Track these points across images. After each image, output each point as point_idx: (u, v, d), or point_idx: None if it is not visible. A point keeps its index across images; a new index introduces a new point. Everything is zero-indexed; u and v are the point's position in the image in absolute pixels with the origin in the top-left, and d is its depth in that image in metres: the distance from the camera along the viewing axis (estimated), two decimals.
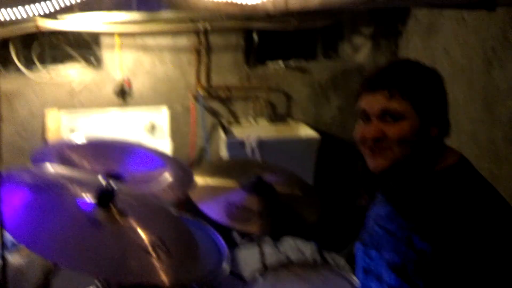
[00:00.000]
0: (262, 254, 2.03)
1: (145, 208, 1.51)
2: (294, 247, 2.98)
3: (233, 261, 2.89)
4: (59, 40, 3.76)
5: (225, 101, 3.92)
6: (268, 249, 2.99)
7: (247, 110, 3.94)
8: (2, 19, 2.85)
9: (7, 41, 3.60)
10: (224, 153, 3.55)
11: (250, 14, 3.61)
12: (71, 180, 1.45)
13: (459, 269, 1.20)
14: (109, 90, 3.75)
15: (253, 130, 3.73)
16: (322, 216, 1.89)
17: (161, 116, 3.73)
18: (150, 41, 3.76)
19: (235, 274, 2.16)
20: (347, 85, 3.98)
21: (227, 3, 2.83)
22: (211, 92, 3.88)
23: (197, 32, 3.77)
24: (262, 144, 3.39)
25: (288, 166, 2.13)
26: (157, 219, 1.48)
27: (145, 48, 3.77)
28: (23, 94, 3.67)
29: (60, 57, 3.83)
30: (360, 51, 4.06)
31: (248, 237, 3.18)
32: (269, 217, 1.80)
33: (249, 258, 2.79)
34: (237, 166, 2.11)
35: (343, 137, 4.00)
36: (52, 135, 3.56)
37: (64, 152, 1.86)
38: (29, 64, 3.72)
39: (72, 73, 3.73)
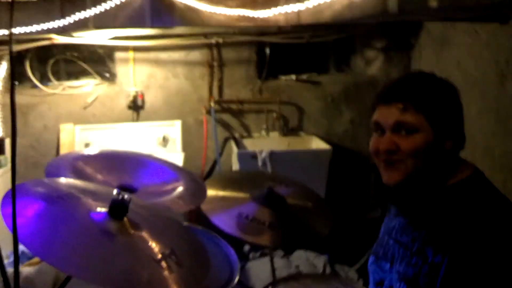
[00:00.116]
0: (273, 267, 2.02)
1: (157, 220, 1.51)
2: (306, 260, 2.96)
3: (244, 273, 2.89)
4: (73, 55, 3.82)
5: (237, 114, 3.93)
6: (280, 261, 2.98)
7: (259, 123, 3.95)
8: (19, 36, 2.90)
9: (23, 56, 3.66)
10: (236, 165, 3.56)
11: (262, 28, 3.64)
12: (84, 191, 1.46)
13: (473, 283, 1.18)
14: (122, 104, 3.78)
15: (265, 143, 3.73)
16: (334, 228, 1.88)
17: (174, 129, 3.75)
18: (163, 55, 3.80)
19: (246, 286, 2.15)
20: (359, 98, 3.98)
21: (239, 17, 2.85)
22: (223, 105, 3.90)
23: (209, 46, 3.81)
24: (274, 156, 3.39)
25: (300, 178, 2.12)
26: (169, 231, 1.48)
27: (158, 63, 3.81)
28: (38, 108, 3.72)
29: (75, 72, 3.89)
30: (372, 64, 4.06)
31: (259, 250, 3.18)
32: (281, 230, 1.79)
33: (260, 271, 2.79)
34: (248, 178, 2.11)
35: (355, 150, 3.99)
36: (66, 148, 3.60)
37: (78, 165, 1.87)
38: (44, 79, 3.78)
39: (86, 88, 3.77)
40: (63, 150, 3.59)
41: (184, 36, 3.75)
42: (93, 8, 2.81)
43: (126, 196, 1.35)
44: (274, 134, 3.93)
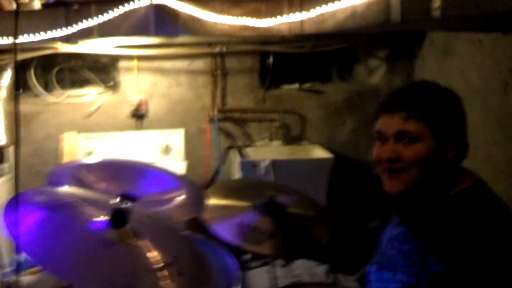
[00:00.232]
0: (274, 276, 2.01)
1: (158, 229, 1.51)
2: (307, 269, 2.95)
3: (245, 282, 2.88)
4: (77, 64, 3.84)
5: (240, 123, 3.94)
6: (281, 270, 2.97)
7: (261, 132, 3.95)
8: (24, 45, 2.91)
9: (27, 65, 3.68)
10: (238, 174, 3.56)
11: (265, 38, 3.65)
12: (86, 200, 1.47)
13: None
14: (126, 112, 3.79)
15: (268, 151, 3.73)
16: (335, 237, 1.88)
17: (177, 137, 3.76)
18: (167, 64, 3.81)
19: None
20: (362, 108, 3.98)
21: (243, 27, 2.86)
22: (226, 114, 3.90)
23: (213, 55, 3.82)
24: (276, 165, 3.38)
25: (302, 187, 2.12)
26: (170, 240, 1.48)
27: (162, 71, 3.82)
28: (41, 117, 3.73)
29: (79, 81, 3.90)
30: (375, 74, 4.06)
31: (260, 259, 3.16)
32: (282, 238, 1.79)
33: (261, 280, 2.77)
34: (250, 187, 2.11)
35: (357, 159, 3.98)
36: (69, 157, 3.61)
37: (80, 173, 1.88)
38: (48, 87, 3.80)
39: (89, 96, 3.79)
40: (66, 159, 3.59)
41: (188, 45, 3.77)
42: (98, 17, 2.83)
43: (127, 205, 1.35)
44: (277, 143, 3.93)
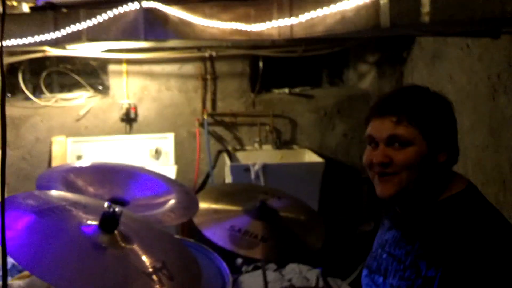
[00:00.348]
0: (265, 280, 2.01)
1: (148, 233, 1.50)
2: (298, 273, 2.95)
3: (237, 287, 2.87)
4: (66, 67, 3.82)
5: (230, 127, 3.93)
6: (272, 274, 2.96)
7: (252, 136, 3.95)
8: (12, 48, 2.89)
9: (16, 68, 3.65)
10: (228, 178, 3.55)
11: (255, 42, 3.66)
12: (75, 204, 1.45)
13: None
14: (115, 116, 3.78)
15: (258, 156, 3.73)
16: (327, 241, 1.87)
17: (167, 142, 3.74)
18: (157, 68, 3.81)
19: None
20: (352, 112, 3.99)
21: (233, 31, 2.86)
22: (216, 118, 3.90)
23: (203, 60, 3.82)
24: (267, 169, 3.39)
25: (293, 191, 2.12)
26: (160, 244, 1.47)
27: (151, 75, 3.81)
28: (30, 121, 3.71)
29: (68, 85, 3.88)
30: (365, 78, 4.08)
31: (252, 263, 3.16)
32: (273, 243, 1.79)
33: (252, 284, 2.77)
34: (241, 191, 2.11)
35: (348, 163, 3.99)
36: (58, 161, 3.58)
37: (69, 177, 1.86)
38: (37, 91, 3.77)
39: (78, 100, 3.77)
40: (55, 163, 3.57)
41: (178, 49, 3.76)
42: (87, 21, 2.82)
43: (117, 209, 1.34)
44: (267, 147, 3.93)
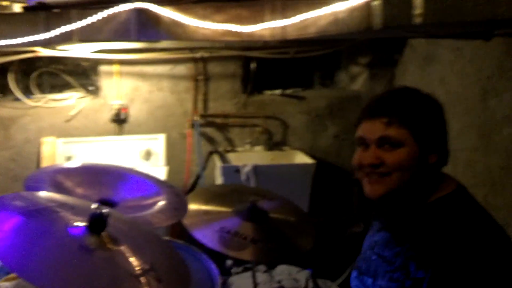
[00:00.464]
0: (255, 282, 2.00)
1: (137, 235, 1.49)
2: (288, 274, 2.94)
3: None
4: (57, 68, 3.80)
5: (222, 129, 3.93)
6: (262, 276, 2.96)
7: (243, 137, 3.94)
8: (3, 48, 2.87)
9: (7, 69, 3.63)
10: (219, 179, 3.54)
11: (248, 43, 3.65)
12: (63, 206, 1.44)
13: None
14: (106, 117, 3.76)
15: (249, 157, 3.73)
16: (317, 243, 1.87)
17: (158, 143, 3.73)
18: (149, 69, 3.79)
19: None
20: (343, 114, 4.00)
21: (225, 32, 2.85)
22: (208, 119, 3.89)
23: (195, 60, 3.81)
24: (258, 170, 3.38)
25: (284, 193, 2.11)
26: (149, 246, 1.46)
27: (143, 76, 3.80)
28: (20, 121, 3.68)
29: (59, 85, 3.86)
30: (356, 80, 4.09)
31: (241, 264, 3.15)
32: (263, 244, 1.78)
33: (242, 285, 2.76)
34: (231, 192, 2.10)
35: (339, 164, 4.00)
36: (47, 161, 3.56)
37: (58, 178, 1.85)
38: (28, 91, 3.75)
39: (69, 101, 3.75)
40: (45, 163, 3.55)
41: (170, 50, 3.75)
42: (78, 21, 2.80)
43: (105, 210, 1.33)
44: (259, 148, 3.93)
